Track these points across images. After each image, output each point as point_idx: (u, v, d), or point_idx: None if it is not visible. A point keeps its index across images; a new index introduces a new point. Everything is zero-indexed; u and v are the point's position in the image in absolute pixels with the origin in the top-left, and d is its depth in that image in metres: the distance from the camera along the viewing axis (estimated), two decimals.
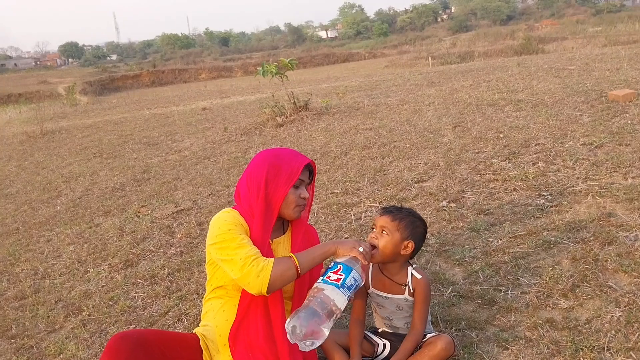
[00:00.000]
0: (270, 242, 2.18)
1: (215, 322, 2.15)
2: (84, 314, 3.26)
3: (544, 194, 3.69)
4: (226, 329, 2.12)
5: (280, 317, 2.07)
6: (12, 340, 3.11)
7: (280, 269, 1.95)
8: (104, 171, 7.38)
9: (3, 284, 3.97)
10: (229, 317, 2.13)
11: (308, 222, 2.39)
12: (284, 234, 2.27)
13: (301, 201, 2.17)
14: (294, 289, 2.19)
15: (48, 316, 3.32)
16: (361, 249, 2.04)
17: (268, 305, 2.09)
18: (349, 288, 1.93)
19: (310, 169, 2.22)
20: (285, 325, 1.90)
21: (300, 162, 2.14)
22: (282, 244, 2.24)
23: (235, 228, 2.05)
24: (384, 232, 2.16)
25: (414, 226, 2.18)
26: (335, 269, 1.97)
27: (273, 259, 1.98)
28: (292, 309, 2.12)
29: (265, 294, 1.98)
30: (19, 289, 3.81)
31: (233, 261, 1.97)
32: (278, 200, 2.11)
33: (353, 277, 1.95)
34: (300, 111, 8.48)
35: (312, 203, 2.30)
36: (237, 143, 7.69)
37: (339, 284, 1.92)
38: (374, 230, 2.21)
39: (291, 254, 2.03)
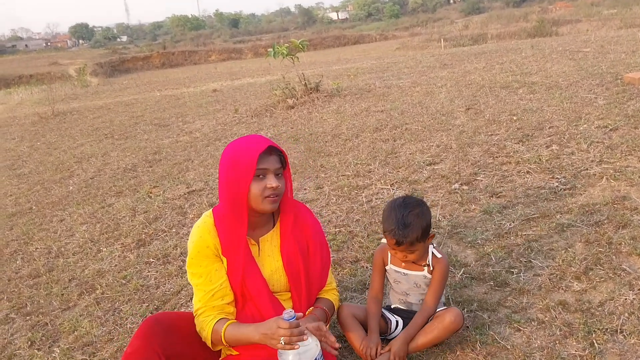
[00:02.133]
0: (255, 242, 2.09)
1: None
2: (97, 292, 3.29)
3: (558, 177, 3.66)
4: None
5: (274, 312, 2.03)
6: (27, 317, 3.15)
7: (213, 337, 1.95)
8: (115, 152, 7.41)
9: (17, 262, 4.02)
10: None
11: (306, 207, 2.25)
12: (273, 227, 2.13)
13: (268, 191, 1.94)
14: (288, 284, 2.11)
15: (62, 294, 3.36)
16: (282, 343, 1.74)
17: (263, 306, 2.05)
18: None
19: (279, 154, 2.01)
20: None
21: (255, 150, 1.92)
22: (270, 242, 2.11)
23: (199, 255, 2.01)
24: (409, 254, 2.16)
25: (423, 221, 2.11)
26: None
27: (211, 325, 1.95)
28: (293, 301, 2.11)
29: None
30: (33, 267, 3.86)
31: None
32: (242, 196, 1.93)
33: None
34: (311, 93, 8.44)
35: (292, 189, 2.13)
36: (247, 125, 7.68)
37: None
38: (397, 252, 2.18)
39: (226, 324, 1.93)
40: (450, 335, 2.15)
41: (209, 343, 1.95)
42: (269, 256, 2.10)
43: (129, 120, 10.03)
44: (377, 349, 2.11)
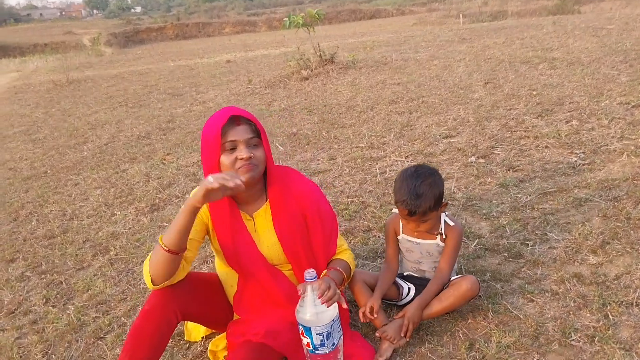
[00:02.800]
0: (250, 217, 2.03)
1: (223, 279, 2.18)
2: (111, 253, 3.32)
3: (577, 152, 3.61)
4: (231, 292, 2.16)
5: (275, 285, 2.04)
6: (43, 276, 3.19)
7: (151, 256, 1.82)
8: (129, 120, 7.42)
9: (33, 223, 4.06)
10: (233, 283, 2.14)
11: (299, 173, 2.15)
12: (266, 201, 2.04)
13: (239, 163, 1.84)
14: (284, 256, 2.05)
15: (76, 255, 3.39)
16: (211, 181, 1.65)
17: (263, 280, 2.04)
18: (322, 344, 1.78)
19: (251, 123, 1.89)
20: None
21: (218, 123, 1.83)
22: (264, 216, 2.03)
23: None
24: (422, 223, 2.13)
25: (436, 190, 2.07)
26: (300, 332, 1.81)
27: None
28: (295, 274, 2.08)
29: (153, 286, 1.85)
30: (48, 228, 3.89)
31: None
32: (215, 171, 1.84)
33: (318, 334, 1.77)
34: (326, 65, 8.37)
35: (272, 158, 1.99)
36: (261, 96, 7.64)
37: (311, 349, 1.80)
38: (410, 222, 2.15)
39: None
40: (466, 303, 2.14)
41: (147, 280, 1.84)
42: (265, 231, 2.04)
43: (143, 89, 10.03)
44: (375, 305, 2.09)
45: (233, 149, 1.84)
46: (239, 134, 1.84)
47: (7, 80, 15.26)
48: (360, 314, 2.11)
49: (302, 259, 2.04)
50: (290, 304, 1.99)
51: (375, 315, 2.08)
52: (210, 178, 1.65)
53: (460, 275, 2.20)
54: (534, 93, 5.11)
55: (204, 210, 1.99)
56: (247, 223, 2.03)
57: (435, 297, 2.12)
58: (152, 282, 1.83)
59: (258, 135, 1.89)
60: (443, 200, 2.13)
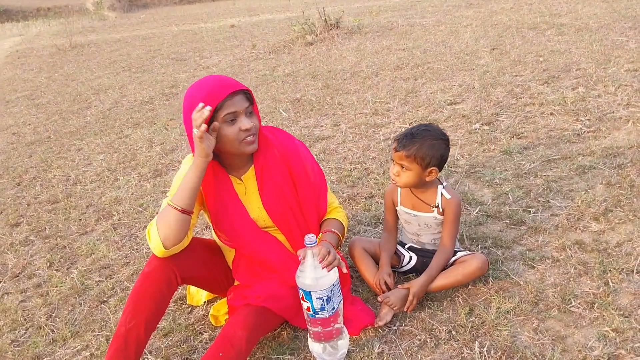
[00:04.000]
0: (240, 181, 2.02)
1: (221, 245, 2.19)
2: (114, 218, 3.33)
3: (582, 119, 3.56)
4: (230, 257, 2.16)
5: (267, 249, 2.04)
6: (46, 240, 3.22)
7: (159, 221, 1.82)
8: (132, 85, 7.37)
9: (36, 188, 4.07)
10: (231, 248, 2.15)
11: (284, 132, 2.13)
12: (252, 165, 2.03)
13: (243, 134, 1.84)
14: (270, 217, 2.02)
15: (80, 219, 3.41)
16: (196, 132, 1.69)
17: (255, 245, 2.04)
18: (322, 308, 1.78)
19: (245, 92, 1.85)
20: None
21: (217, 97, 1.77)
22: (252, 179, 2.03)
23: (179, 178, 1.92)
24: (403, 167, 2.07)
25: (432, 151, 2.02)
26: (300, 296, 1.82)
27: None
28: (286, 237, 2.07)
29: (163, 251, 1.84)
30: (51, 193, 3.91)
31: None
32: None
33: (319, 299, 1.76)
34: (331, 30, 8.24)
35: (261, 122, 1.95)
36: (265, 61, 7.55)
37: (311, 313, 1.81)
38: (394, 165, 2.10)
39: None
40: (471, 280, 2.14)
41: (155, 237, 1.83)
42: (253, 194, 2.03)
43: (146, 54, 9.92)
44: (389, 280, 2.11)
45: (234, 120, 1.82)
46: (238, 104, 1.82)
47: (9, 44, 15.13)
48: (378, 285, 2.12)
49: (290, 222, 2.03)
50: (286, 270, 2.00)
51: (391, 289, 2.10)
52: (195, 131, 1.70)
53: (468, 253, 2.18)
54: (541, 59, 5.03)
55: None
56: (237, 187, 2.02)
57: (442, 272, 2.12)
58: (163, 245, 1.82)
59: (252, 103, 1.88)
60: (434, 167, 2.05)
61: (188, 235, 1.91)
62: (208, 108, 1.69)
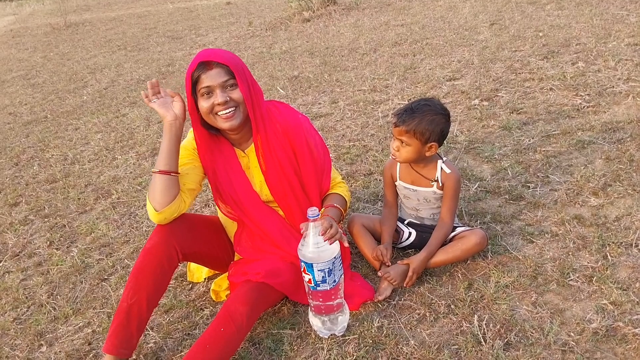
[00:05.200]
0: (245, 154, 2.04)
1: (224, 219, 2.19)
2: (113, 197, 3.33)
3: (582, 94, 3.54)
4: (232, 231, 2.18)
5: (269, 222, 2.05)
6: (46, 219, 3.22)
7: (149, 186, 1.89)
8: (128, 63, 7.31)
9: (34, 168, 4.06)
10: (233, 222, 2.15)
11: (287, 106, 2.11)
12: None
13: (218, 108, 1.84)
14: (270, 192, 2.05)
15: (79, 198, 3.41)
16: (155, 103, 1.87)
17: (257, 218, 2.05)
18: (324, 280, 1.79)
19: (223, 66, 1.82)
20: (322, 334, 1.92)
21: (190, 67, 1.83)
22: (254, 153, 2.03)
23: (182, 152, 1.96)
24: (403, 143, 2.05)
25: (432, 126, 2.00)
26: (302, 268, 1.82)
27: None
28: (285, 213, 2.09)
29: (157, 215, 1.87)
30: (49, 172, 3.90)
31: None
32: (192, 111, 1.90)
33: (320, 271, 1.77)
34: (328, 5, 8.15)
35: (253, 99, 1.90)
36: (261, 38, 7.48)
37: (313, 285, 1.81)
38: (394, 140, 2.09)
39: None
40: (471, 256, 2.15)
41: (148, 205, 1.88)
42: (256, 167, 2.04)
43: (142, 33, 9.83)
44: (388, 253, 2.12)
45: (209, 94, 1.84)
46: (212, 78, 1.81)
47: (3, 23, 14.97)
48: (377, 257, 2.13)
49: (289, 197, 2.04)
50: (287, 245, 2.01)
51: (388, 263, 2.10)
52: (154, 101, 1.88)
53: (467, 228, 2.18)
54: (540, 34, 4.98)
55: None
56: (241, 160, 2.04)
57: (442, 248, 2.12)
58: (154, 209, 1.85)
59: (233, 77, 1.84)
60: (434, 142, 2.04)
61: (184, 200, 1.92)
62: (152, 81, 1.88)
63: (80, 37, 10.35)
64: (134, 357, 1.95)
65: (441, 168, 2.13)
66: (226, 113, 1.85)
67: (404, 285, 2.07)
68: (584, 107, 3.36)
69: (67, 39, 10.39)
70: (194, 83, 1.83)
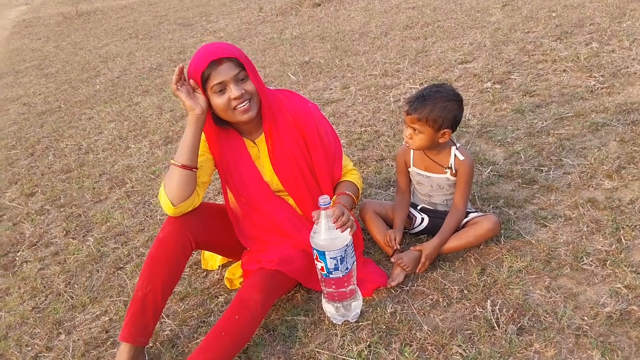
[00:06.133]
0: (255, 144, 2.02)
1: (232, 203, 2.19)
2: (127, 186, 3.36)
3: (596, 75, 3.49)
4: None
5: (279, 212, 2.06)
6: (62, 209, 3.26)
7: (165, 180, 1.87)
8: (140, 52, 7.33)
9: (49, 158, 4.11)
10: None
11: (296, 95, 2.09)
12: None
13: (234, 102, 1.82)
14: (280, 182, 2.05)
15: (93, 188, 3.45)
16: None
17: (267, 209, 2.05)
18: (336, 268, 1.79)
19: (232, 59, 1.80)
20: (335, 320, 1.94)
21: (198, 69, 1.78)
22: (264, 143, 2.01)
23: None
24: (415, 130, 2.04)
25: (444, 113, 1.98)
26: (315, 256, 1.82)
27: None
28: (295, 202, 2.09)
29: (173, 209, 1.87)
30: (64, 162, 3.94)
31: None
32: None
33: (332, 259, 1.77)
34: None
35: (263, 88, 1.91)
36: (272, 24, 7.45)
37: (325, 273, 1.82)
38: (406, 128, 2.07)
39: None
40: (484, 242, 2.15)
41: (163, 197, 1.87)
42: (266, 157, 2.04)
43: (153, 20, 9.83)
44: (398, 238, 2.12)
45: (222, 90, 1.81)
46: (224, 73, 1.79)
47: (16, 13, 15.05)
48: (387, 241, 2.14)
49: (300, 187, 2.04)
50: (298, 234, 2.02)
51: (398, 247, 2.11)
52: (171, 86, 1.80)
53: (480, 214, 2.18)
54: (553, 15, 4.90)
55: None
56: (251, 150, 2.03)
57: (455, 234, 2.12)
58: (171, 203, 1.85)
59: (244, 68, 1.84)
60: (446, 129, 2.02)
61: (198, 193, 1.93)
62: (180, 67, 1.78)
63: (92, 26, 10.38)
64: (150, 344, 1.98)
65: (455, 155, 2.12)
66: (243, 106, 1.83)
67: (417, 272, 2.08)
68: (597, 88, 3.31)
69: (79, 28, 10.43)
70: (203, 81, 1.80)
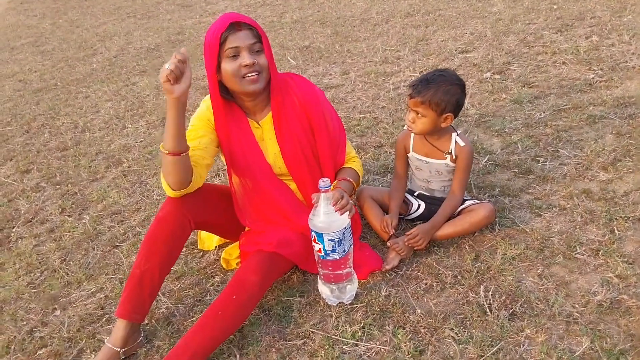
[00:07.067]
0: (259, 125, 2.03)
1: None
2: (124, 165, 3.36)
3: (595, 68, 3.51)
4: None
5: (280, 195, 2.07)
6: (57, 187, 3.26)
7: (163, 166, 1.81)
8: (138, 31, 7.27)
9: (45, 135, 4.09)
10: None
11: (303, 79, 2.09)
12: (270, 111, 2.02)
13: (244, 70, 1.81)
14: (285, 165, 2.05)
15: (90, 166, 3.44)
16: (166, 66, 1.61)
17: (269, 191, 2.06)
18: (334, 250, 1.81)
19: (252, 28, 1.82)
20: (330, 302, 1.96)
21: (218, 29, 1.78)
22: (270, 124, 2.02)
23: (197, 118, 1.98)
24: (418, 114, 2.05)
25: (447, 96, 2.00)
26: (313, 238, 1.83)
27: None
28: (297, 185, 2.10)
29: (174, 193, 1.86)
30: (60, 140, 3.93)
31: None
32: (212, 76, 1.86)
33: (330, 240, 1.79)
34: None
35: (275, 65, 1.92)
36: (272, 7, 7.39)
37: (323, 254, 1.84)
38: (409, 112, 2.09)
39: None
40: (479, 229, 2.17)
41: (164, 182, 1.85)
42: (270, 139, 2.04)
43: (151, 0, 9.73)
44: (393, 223, 2.14)
45: (235, 55, 1.80)
46: (241, 39, 1.79)
47: None
48: (383, 226, 2.15)
49: (304, 170, 2.05)
50: (297, 218, 2.03)
51: (393, 231, 2.13)
52: (165, 64, 1.62)
53: (476, 202, 2.20)
54: (555, 7, 4.90)
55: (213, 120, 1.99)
56: (255, 131, 2.03)
57: (450, 221, 2.14)
58: (171, 189, 1.85)
59: (260, 41, 1.84)
60: (449, 113, 2.04)
61: (201, 175, 1.92)
62: (181, 50, 1.64)
63: (89, 4, 10.27)
64: (145, 321, 2.00)
65: (455, 141, 2.14)
66: (252, 75, 1.82)
67: (415, 248, 2.09)
68: (596, 81, 3.33)
69: (75, 6, 10.31)
70: (220, 45, 1.79)
